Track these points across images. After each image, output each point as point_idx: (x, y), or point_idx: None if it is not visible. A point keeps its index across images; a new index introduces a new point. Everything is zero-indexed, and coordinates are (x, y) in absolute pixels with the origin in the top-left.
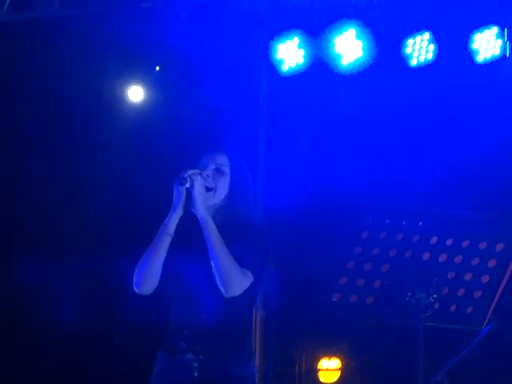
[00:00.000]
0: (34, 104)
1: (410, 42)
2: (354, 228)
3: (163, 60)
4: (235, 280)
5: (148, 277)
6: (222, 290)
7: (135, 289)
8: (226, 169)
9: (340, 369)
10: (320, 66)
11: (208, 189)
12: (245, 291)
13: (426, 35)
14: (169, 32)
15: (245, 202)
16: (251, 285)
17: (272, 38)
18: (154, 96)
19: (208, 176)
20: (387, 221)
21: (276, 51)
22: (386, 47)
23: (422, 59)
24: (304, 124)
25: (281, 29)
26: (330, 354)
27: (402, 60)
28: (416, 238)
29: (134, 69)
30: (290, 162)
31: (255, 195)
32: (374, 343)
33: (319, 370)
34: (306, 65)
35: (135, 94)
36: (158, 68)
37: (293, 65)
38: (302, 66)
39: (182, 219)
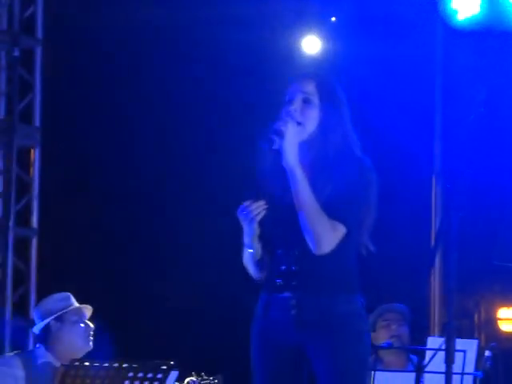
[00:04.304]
0: (204, 57)
1: None
2: None
3: (339, 10)
4: (323, 238)
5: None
6: (311, 246)
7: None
8: (315, 98)
9: None
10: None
11: (297, 124)
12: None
13: None
14: None
15: (339, 131)
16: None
17: None
18: (329, 47)
19: (296, 110)
20: None
21: (450, 1)
22: None
23: None
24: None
25: None
26: (509, 303)
27: None
28: None
29: (309, 19)
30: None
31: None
32: None
33: (499, 319)
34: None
35: (311, 44)
36: (333, 19)
37: (468, 15)
38: (477, 17)
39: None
